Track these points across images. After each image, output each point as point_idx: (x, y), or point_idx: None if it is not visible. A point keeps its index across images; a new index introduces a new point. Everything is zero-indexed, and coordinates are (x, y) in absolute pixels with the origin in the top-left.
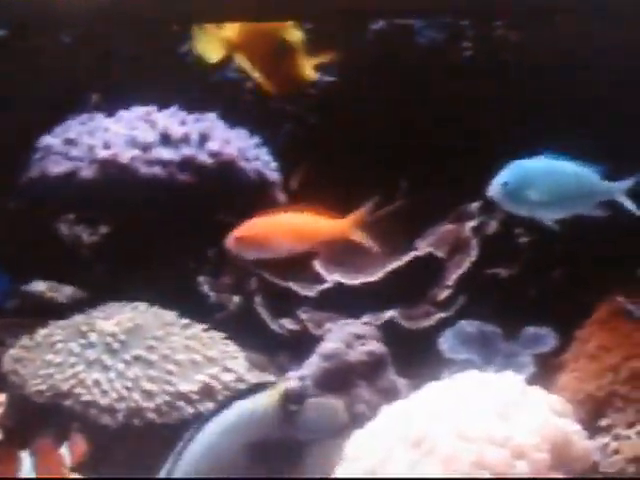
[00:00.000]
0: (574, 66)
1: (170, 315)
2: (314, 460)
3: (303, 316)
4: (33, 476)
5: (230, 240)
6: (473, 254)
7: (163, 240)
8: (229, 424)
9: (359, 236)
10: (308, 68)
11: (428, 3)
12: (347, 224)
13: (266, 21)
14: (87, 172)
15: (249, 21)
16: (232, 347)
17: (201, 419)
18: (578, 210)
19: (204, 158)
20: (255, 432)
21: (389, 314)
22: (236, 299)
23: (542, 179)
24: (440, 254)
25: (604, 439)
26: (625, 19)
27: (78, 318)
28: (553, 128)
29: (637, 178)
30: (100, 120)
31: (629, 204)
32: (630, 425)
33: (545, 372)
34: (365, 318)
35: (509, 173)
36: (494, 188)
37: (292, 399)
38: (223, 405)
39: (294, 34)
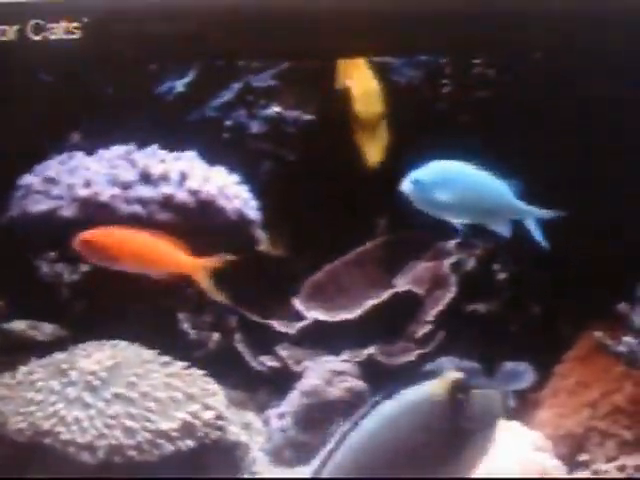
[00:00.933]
0: (556, 102)
1: (150, 353)
2: (474, 449)
3: (283, 353)
4: None
5: (76, 239)
6: (452, 290)
7: (143, 278)
8: (393, 411)
9: (204, 281)
10: None
11: (405, 41)
12: (197, 264)
13: (240, 59)
14: (67, 211)
15: (223, 60)
16: (212, 384)
17: (362, 410)
18: (487, 222)
19: (184, 196)
20: (421, 419)
21: (368, 351)
22: (216, 336)
23: (456, 181)
24: (419, 291)
25: (583, 474)
26: (609, 60)
27: (59, 356)
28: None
29: (554, 215)
30: (80, 159)
31: (537, 233)
32: (609, 460)
33: (524, 408)
34: (344, 355)
35: (423, 170)
36: (406, 183)
37: (460, 389)
38: (388, 393)
39: None
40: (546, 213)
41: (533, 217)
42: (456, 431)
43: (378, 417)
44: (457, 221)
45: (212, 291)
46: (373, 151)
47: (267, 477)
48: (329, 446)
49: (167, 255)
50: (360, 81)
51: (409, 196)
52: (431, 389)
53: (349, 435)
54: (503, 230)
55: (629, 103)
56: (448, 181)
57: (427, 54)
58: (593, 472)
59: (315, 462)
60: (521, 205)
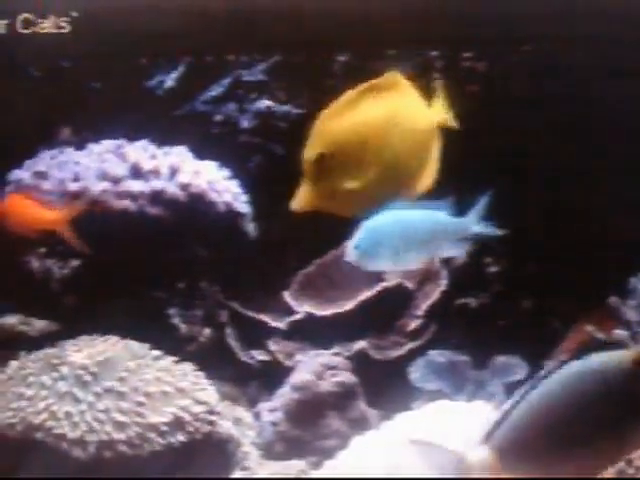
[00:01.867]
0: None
1: (141, 347)
2: None
3: (274, 347)
4: None
5: None
6: (443, 284)
7: (133, 272)
8: (576, 374)
9: (68, 232)
10: None
11: (397, 34)
12: (59, 217)
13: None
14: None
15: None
16: (203, 379)
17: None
18: (438, 252)
19: (174, 190)
20: (604, 384)
21: (359, 345)
22: (207, 331)
23: (391, 233)
24: (410, 285)
25: None
26: (593, 47)
27: (49, 351)
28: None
29: (481, 206)
30: (70, 153)
31: (486, 230)
32: None
33: None
34: (335, 349)
35: (359, 235)
36: (349, 253)
37: None
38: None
39: None
40: (477, 211)
41: (475, 223)
42: (634, 400)
43: (560, 378)
44: (410, 266)
45: (75, 242)
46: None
47: (259, 477)
48: (505, 406)
49: (32, 214)
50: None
51: (357, 264)
52: (619, 358)
53: (527, 395)
54: (456, 252)
55: (620, 97)
56: (385, 236)
57: (417, 47)
58: None
59: (490, 422)
60: (459, 221)
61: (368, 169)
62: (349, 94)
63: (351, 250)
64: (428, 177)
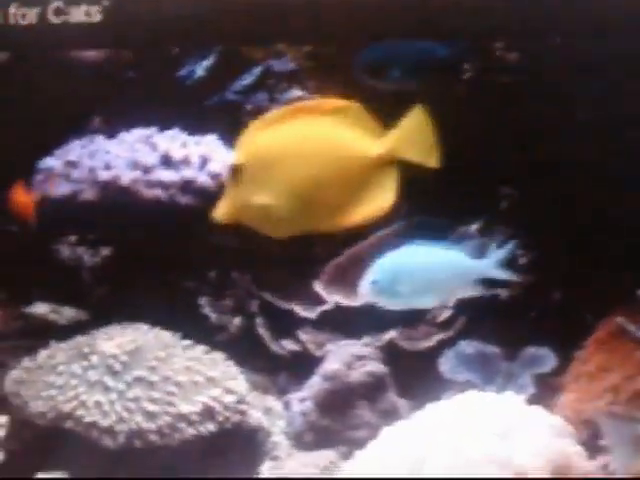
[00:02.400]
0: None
1: (171, 336)
2: None
3: (304, 337)
4: None
5: None
6: None
7: (164, 261)
8: None
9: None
10: None
11: (430, 25)
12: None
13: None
14: (88, 194)
15: (244, 44)
16: (233, 368)
17: None
18: (456, 293)
19: (205, 180)
20: None
21: (389, 335)
22: (237, 320)
23: (410, 271)
24: None
25: (604, 459)
26: (624, 40)
27: (80, 340)
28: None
29: (504, 251)
30: (101, 142)
31: (504, 275)
32: None
33: (545, 392)
34: (365, 339)
35: (376, 271)
36: (364, 288)
37: None
38: None
39: None
40: (498, 255)
41: (492, 267)
42: None
43: None
44: (426, 305)
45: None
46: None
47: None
48: None
49: None
50: None
51: (372, 299)
52: None
53: None
54: (472, 293)
55: None
56: (404, 273)
57: (448, 38)
58: None
59: None
60: (478, 263)
61: (278, 187)
62: (286, 108)
63: (367, 286)
64: (366, 209)
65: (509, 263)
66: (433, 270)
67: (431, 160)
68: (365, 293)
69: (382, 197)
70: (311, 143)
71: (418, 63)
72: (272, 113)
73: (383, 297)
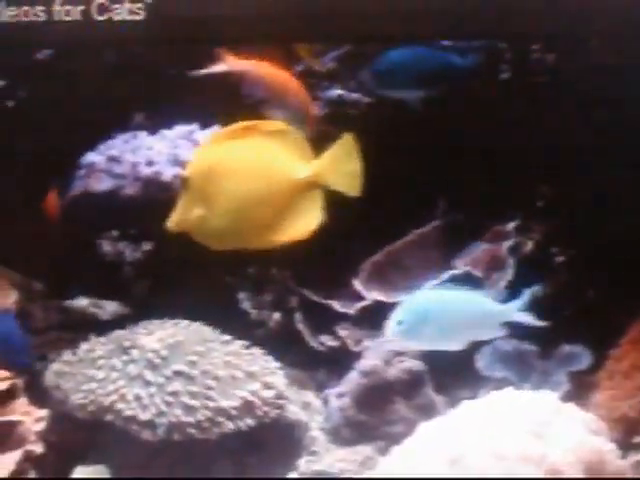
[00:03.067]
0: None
1: (211, 331)
2: None
3: (342, 333)
4: None
5: None
6: (509, 273)
7: (204, 257)
8: None
9: None
10: None
11: (461, 26)
12: None
13: (282, 43)
14: (130, 189)
15: (285, 42)
16: (272, 363)
17: None
18: (480, 336)
19: None
20: None
21: None
22: (276, 316)
23: (436, 313)
24: (477, 273)
25: (638, 457)
26: None
27: (120, 334)
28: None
29: (528, 295)
30: (143, 138)
31: (529, 320)
32: None
33: (580, 390)
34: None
35: (403, 311)
36: (390, 328)
37: None
38: None
39: None
40: (523, 300)
41: (516, 311)
42: None
43: None
44: (450, 348)
45: None
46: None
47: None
48: None
49: None
50: None
51: (397, 339)
52: None
53: None
54: (497, 334)
55: None
56: (429, 314)
57: (486, 39)
58: None
59: None
60: (502, 308)
61: (215, 201)
62: (239, 125)
63: (393, 325)
64: (292, 230)
65: (533, 307)
66: (459, 313)
67: (353, 189)
68: (390, 333)
69: (307, 219)
70: (247, 162)
71: (433, 73)
72: (225, 129)
73: (408, 338)
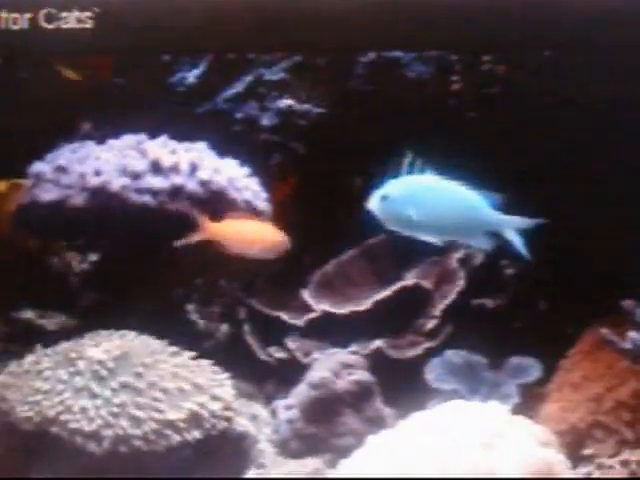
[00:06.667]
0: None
1: (158, 343)
2: None
3: (291, 345)
4: None
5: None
6: (460, 285)
7: (152, 268)
8: None
9: None
10: None
11: (416, 38)
12: None
13: (252, 52)
14: (77, 200)
15: (235, 52)
16: (220, 375)
17: None
18: (464, 237)
19: (194, 187)
20: None
21: (376, 343)
22: (224, 327)
23: (425, 196)
24: (427, 285)
25: (587, 468)
26: (611, 54)
27: (66, 345)
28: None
29: (532, 223)
30: (91, 148)
31: (518, 242)
32: (613, 455)
33: (529, 402)
34: (353, 347)
35: (391, 186)
36: (373, 201)
37: None
38: None
39: None
40: (525, 222)
41: (512, 227)
42: None
43: None
44: (432, 239)
45: None
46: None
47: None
48: None
49: None
50: None
51: (377, 214)
52: None
53: None
54: (482, 244)
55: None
56: (418, 196)
57: (437, 50)
58: (597, 466)
59: None
60: (497, 216)
61: None
62: None
63: (376, 199)
64: None
65: (526, 239)
66: (449, 204)
67: None
68: (373, 207)
69: None
70: None
71: None
72: None
73: (390, 215)
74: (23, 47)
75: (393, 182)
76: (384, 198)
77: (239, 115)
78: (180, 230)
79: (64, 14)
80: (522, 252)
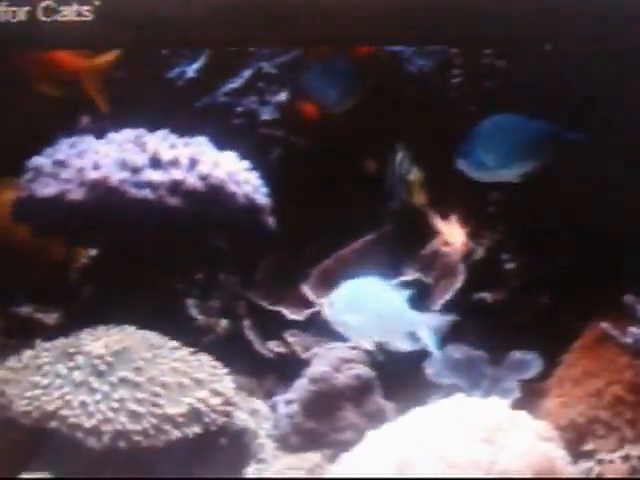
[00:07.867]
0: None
1: (158, 338)
2: None
3: (291, 340)
4: None
5: None
6: (460, 279)
7: (152, 263)
8: None
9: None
10: None
11: (418, 32)
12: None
13: (251, 46)
14: (76, 194)
15: (234, 46)
16: (220, 370)
17: None
18: (388, 338)
19: (194, 181)
20: None
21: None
22: (224, 322)
23: (363, 302)
24: (427, 279)
25: (588, 464)
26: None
27: (65, 340)
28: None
29: (445, 320)
30: (90, 142)
31: (429, 341)
32: (613, 450)
33: (530, 397)
34: (352, 342)
35: (335, 294)
36: (324, 309)
37: None
38: None
39: None
40: (438, 320)
41: (426, 326)
42: None
43: None
44: (363, 341)
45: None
46: None
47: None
48: None
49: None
50: None
51: (330, 319)
52: None
53: None
54: (403, 344)
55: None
56: (356, 303)
57: (438, 44)
58: (597, 462)
59: None
60: (413, 316)
61: None
62: None
63: (326, 306)
64: None
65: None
66: (378, 309)
67: None
68: (324, 314)
69: None
70: None
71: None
72: None
73: (335, 320)
74: (21, 40)
75: (339, 288)
76: (331, 304)
77: (239, 109)
78: (179, 224)
79: (63, 7)
80: (433, 348)
